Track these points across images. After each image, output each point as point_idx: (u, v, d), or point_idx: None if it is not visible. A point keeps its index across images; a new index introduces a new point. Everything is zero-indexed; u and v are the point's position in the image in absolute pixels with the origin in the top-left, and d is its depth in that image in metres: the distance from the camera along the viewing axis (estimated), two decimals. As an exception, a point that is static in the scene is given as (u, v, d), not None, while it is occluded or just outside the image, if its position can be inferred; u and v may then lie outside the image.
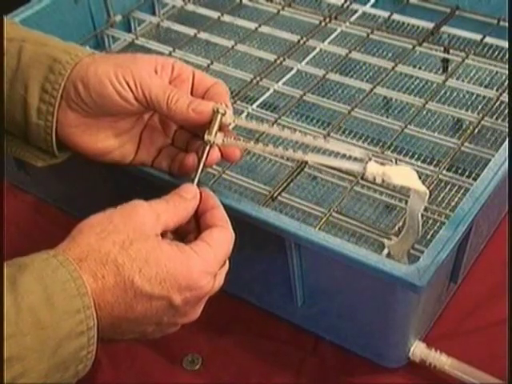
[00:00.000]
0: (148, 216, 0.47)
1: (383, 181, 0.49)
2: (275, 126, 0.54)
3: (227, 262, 0.50)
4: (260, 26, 0.85)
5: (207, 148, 0.52)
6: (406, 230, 0.54)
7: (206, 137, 0.52)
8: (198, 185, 0.52)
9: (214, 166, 0.67)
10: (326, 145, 0.52)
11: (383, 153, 0.67)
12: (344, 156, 0.51)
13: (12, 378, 0.40)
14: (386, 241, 0.58)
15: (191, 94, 0.54)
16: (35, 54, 0.53)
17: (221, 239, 0.49)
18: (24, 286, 0.42)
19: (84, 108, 0.52)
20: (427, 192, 0.50)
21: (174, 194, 0.49)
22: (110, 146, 0.55)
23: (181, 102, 0.51)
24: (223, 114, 0.52)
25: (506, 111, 0.70)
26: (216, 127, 0.52)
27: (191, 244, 0.47)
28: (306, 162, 0.66)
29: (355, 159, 0.50)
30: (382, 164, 0.49)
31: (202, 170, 0.53)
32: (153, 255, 0.45)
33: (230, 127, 0.54)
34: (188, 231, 0.50)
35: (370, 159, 0.49)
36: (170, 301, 0.46)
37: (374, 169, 0.49)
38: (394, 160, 0.50)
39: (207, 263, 0.47)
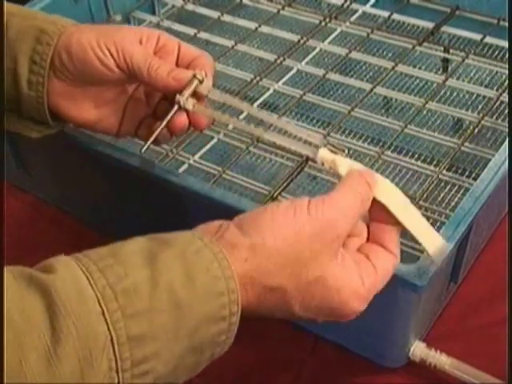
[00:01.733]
0: (342, 228, 0.43)
1: (330, 168, 0.48)
2: (245, 102, 0.55)
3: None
4: (260, 25, 0.85)
5: (175, 108, 0.53)
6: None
7: (176, 96, 0.52)
8: (153, 144, 0.54)
9: (214, 166, 0.67)
10: (288, 126, 0.52)
11: (383, 153, 0.67)
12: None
13: (144, 357, 0.37)
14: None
15: (176, 65, 0.54)
16: (22, 28, 0.53)
17: (389, 270, 0.46)
18: (163, 262, 0.39)
19: (68, 76, 0.53)
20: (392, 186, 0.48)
21: (366, 185, 0.45)
22: (94, 115, 0.55)
23: (161, 69, 0.52)
24: (200, 81, 0.53)
25: (506, 111, 0.70)
26: (189, 90, 0.52)
27: (363, 269, 0.44)
28: (307, 162, 0.66)
29: (311, 144, 0.50)
30: (335, 153, 0.48)
31: (170, 135, 0.55)
32: (323, 294, 0.43)
33: (205, 100, 0.54)
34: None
35: (324, 146, 0.48)
36: (313, 320, 0.44)
37: (325, 154, 0.48)
38: (346, 151, 0.48)
39: (366, 301, 0.44)
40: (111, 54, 0.52)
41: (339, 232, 0.43)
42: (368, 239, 0.47)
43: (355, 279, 0.43)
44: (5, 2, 0.55)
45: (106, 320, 0.37)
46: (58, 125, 0.57)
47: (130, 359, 0.37)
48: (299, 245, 0.42)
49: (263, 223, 0.42)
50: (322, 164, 0.48)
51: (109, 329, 0.36)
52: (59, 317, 0.36)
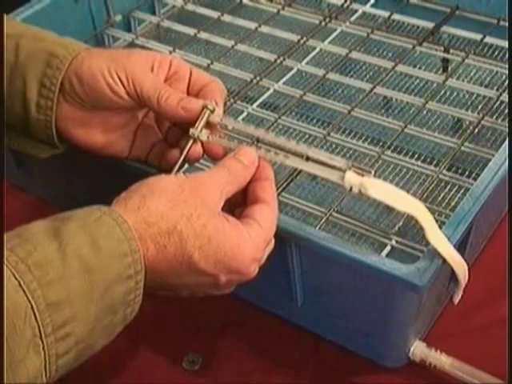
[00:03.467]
0: (214, 191, 0.48)
1: (360, 192, 0.49)
2: (261, 128, 0.54)
3: (272, 240, 0.51)
4: (260, 25, 0.85)
5: (190, 142, 0.53)
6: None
7: (190, 130, 0.52)
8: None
9: (214, 166, 0.67)
10: (308, 151, 0.51)
11: (383, 153, 0.67)
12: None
13: (64, 320, 0.41)
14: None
15: (187, 91, 0.55)
16: (33, 50, 0.53)
17: (270, 219, 0.50)
18: (68, 234, 0.43)
19: (78, 101, 0.53)
20: (416, 215, 0.50)
21: (234, 160, 0.50)
22: (103, 140, 0.55)
23: (171, 99, 0.52)
24: (211, 111, 0.52)
25: (506, 111, 0.70)
26: (202, 122, 0.52)
27: (247, 225, 0.48)
28: (307, 162, 0.66)
29: (334, 167, 0.50)
30: (361, 175, 0.49)
31: (183, 165, 0.54)
32: (215, 235, 0.46)
33: (218, 127, 0.54)
34: (236, 197, 0.51)
35: (349, 169, 0.49)
36: (217, 279, 0.47)
37: (351, 178, 0.49)
38: (373, 172, 0.49)
39: (259, 250, 0.48)
40: (122, 82, 0.52)
41: (216, 189, 0.48)
42: (251, 198, 0.51)
43: (240, 229, 0.47)
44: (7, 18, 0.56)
45: (24, 291, 0.39)
46: (66, 146, 0.57)
47: (51, 324, 0.40)
48: (184, 193, 0.47)
49: (150, 182, 0.48)
50: (350, 189, 0.49)
51: (28, 298, 0.39)
52: None
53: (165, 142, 0.58)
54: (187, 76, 0.55)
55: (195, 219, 0.46)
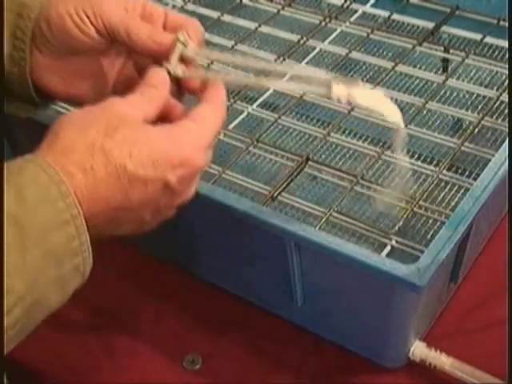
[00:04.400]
0: (127, 106, 0.46)
1: (349, 102, 0.47)
2: (239, 54, 0.52)
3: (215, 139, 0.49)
4: (260, 25, 0.85)
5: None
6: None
7: (164, 64, 0.50)
8: None
9: (214, 166, 0.67)
10: (291, 70, 0.50)
11: (383, 153, 0.67)
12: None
13: None
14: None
15: None
16: (7, 5, 0.52)
17: (208, 114, 0.48)
18: None
19: (50, 48, 0.52)
20: (401, 124, 0.48)
21: (144, 85, 0.48)
22: (82, 90, 0.54)
23: (141, 31, 0.50)
24: (184, 45, 0.50)
25: (506, 111, 0.70)
26: (175, 56, 0.50)
27: (176, 123, 0.46)
28: (307, 162, 0.66)
29: (321, 82, 0.48)
30: (350, 86, 0.47)
31: None
32: (140, 137, 0.44)
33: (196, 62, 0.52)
34: (178, 117, 0.49)
35: (336, 81, 0.47)
36: (165, 182, 0.45)
37: (338, 90, 0.47)
38: (362, 83, 0.48)
39: (196, 138, 0.46)
40: (90, 20, 0.50)
41: (131, 109, 0.46)
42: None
43: (171, 127, 0.46)
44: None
45: None
46: (46, 103, 0.55)
47: None
48: (95, 115, 0.44)
49: (59, 119, 0.45)
50: (339, 100, 0.47)
51: None
52: None
53: None
54: (162, 18, 0.53)
55: (112, 131, 0.43)
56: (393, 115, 0.48)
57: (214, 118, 0.48)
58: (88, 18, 0.50)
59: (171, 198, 0.46)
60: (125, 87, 0.54)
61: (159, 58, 0.51)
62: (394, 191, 0.53)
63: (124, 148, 0.43)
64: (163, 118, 0.48)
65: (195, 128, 0.47)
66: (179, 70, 0.50)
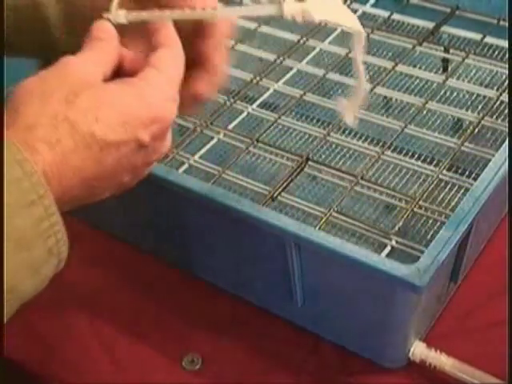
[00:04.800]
0: (83, 66, 0.43)
1: (304, 19, 0.44)
2: (167, 11, 0.47)
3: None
4: (260, 25, 0.85)
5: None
6: (355, 89, 0.49)
7: (103, 15, 0.46)
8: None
9: (214, 166, 0.67)
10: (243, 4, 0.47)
11: (383, 153, 0.67)
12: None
13: None
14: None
15: None
16: None
17: (169, 60, 0.45)
18: None
19: None
20: (361, 31, 0.45)
21: (93, 40, 0.45)
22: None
23: None
24: None
25: (506, 111, 0.70)
26: (114, 3, 0.46)
27: (138, 74, 0.43)
28: (307, 162, 0.66)
29: (271, 2, 0.44)
30: (302, 0, 0.44)
31: None
32: (104, 99, 0.41)
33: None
34: (136, 67, 0.45)
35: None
36: (138, 141, 0.42)
37: (291, 7, 0.43)
38: None
39: (163, 90, 0.43)
40: None
41: (84, 66, 0.43)
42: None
43: (133, 81, 0.43)
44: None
45: None
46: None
47: None
48: (50, 81, 0.42)
49: (13, 92, 0.42)
50: (293, 18, 0.44)
51: None
52: None
53: None
54: None
55: (73, 98, 0.40)
56: (351, 22, 0.45)
57: (176, 63, 0.45)
58: None
59: (146, 156, 0.44)
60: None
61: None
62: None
63: (89, 114, 0.40)
64: (120, 71, 0.45)
65: (159, 78, 0.44)
66: (121, 17, 0.46)
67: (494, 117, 0.70)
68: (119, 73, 0.45)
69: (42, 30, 0.51)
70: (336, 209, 0.62)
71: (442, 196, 0.63)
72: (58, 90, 0.41)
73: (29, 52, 0.53)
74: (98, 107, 0.41)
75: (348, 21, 0.45)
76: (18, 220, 0.38)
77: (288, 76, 0.78)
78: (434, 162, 0.67)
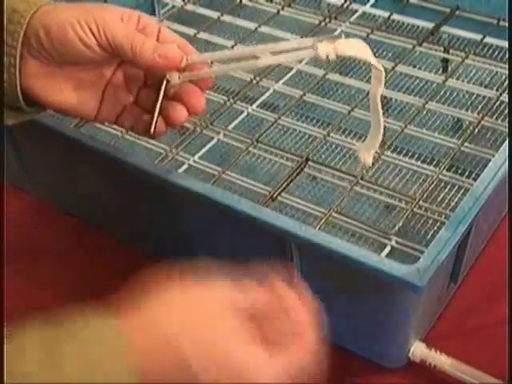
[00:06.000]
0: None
1: (338, 56, 0.49)
2: (226, 50, 0.53)
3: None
4: (260, 25, 0.85)
5: (160, 96, 0.52)
6: (372, 128, 0.54)
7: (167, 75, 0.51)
8: (154, 134, 0.52)
9: (214, 166, 0.67)
10: (278, 46, 0.51)
11: (383, 153, 0.67)
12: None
13: None
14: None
15: None
16: None
17: (304, 347, 0.47)
18: (65, 358, 0.39)
19: (46, 56, 0.51)
20: (381, 69, 0.51)
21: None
22: (71, 99, 0.53)
23: (146, 45, 0.50)
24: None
25: (506, 111, 0.70)
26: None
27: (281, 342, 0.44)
28: (307, 162, 0.66)
29: (306, 47, 0.49)
30: (333, 42, 0.49)
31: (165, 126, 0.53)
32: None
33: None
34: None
35: (320, 41, 0.49)
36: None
37: (324, 47, 0.49)
38: (343, 35, 0.50)
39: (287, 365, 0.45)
40: (93, 34, 0.49)
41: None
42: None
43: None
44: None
45: None
46: (34, 111, 0.54)
47: None
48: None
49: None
50: (327, 57, 0.49)
51: None
52: None
53: (136, 105, 0.55)
54: (155, 33, 0.52)
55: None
56: (374, 60, 0.51)
57: (306, 354, 0.47)
58: (91, 31, 0.50)
59: None
60: (113, 96, 0.54)
61: (160, 71, 0.51)
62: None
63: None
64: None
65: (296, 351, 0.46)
66: (175, 78, 0.51)
67: (494, 117, 0.70)
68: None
69: None
70: (336, 209, 0.62)
71: (441, 196, 0.63)
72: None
73: None
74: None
75: (371, 58, 0.50)
76: None
77: (288, 76, 0.78)
78: (434, 162, 0.67)
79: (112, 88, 0.55)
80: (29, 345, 0.39)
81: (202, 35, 0.84)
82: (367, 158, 0.54)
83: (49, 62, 0.51)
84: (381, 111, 0.51)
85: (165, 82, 0.52)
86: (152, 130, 0.52)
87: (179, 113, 0.53)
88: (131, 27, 0.51)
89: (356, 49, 0.50)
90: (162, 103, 0.52)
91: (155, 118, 0.52)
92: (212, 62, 0.56)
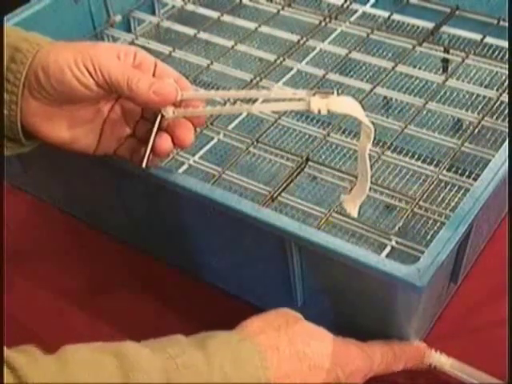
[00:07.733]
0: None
1: (329, 112, 0.50)
2: (220, 91, 0.56)
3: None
4: (260, 26, 0.85)
5: (153, 131, 0.54)
6: (358, 180, 0.55)
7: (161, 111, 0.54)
8: (147, 167, 0.55)
9: (214, 166, 0.67)
10: (271, 94, 0.53)
11: (383, 153, 0.67)
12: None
13: None
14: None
15: None
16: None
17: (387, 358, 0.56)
18: (213, 348, 0.47)
19: (45, 96, 0.52)
20: (371, 127, 0.51)
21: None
22: (70, 136, 0.55)
23: (142, 82, 0.51)
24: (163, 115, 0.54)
25: (506, 111, 0.70)
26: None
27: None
28: (307, 162, 0.66)
29: (300, 100, 0.51)
30: (326, 97, 0.50)
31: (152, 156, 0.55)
32: (317, 333, 0.53)
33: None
34: None
35: (313, 95, 0.50)
36: (337, 377, 0.51)
37: (317, 102, 0.50)
38: (336, 91, 0.51)
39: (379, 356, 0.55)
40: (89, 73, 0.51)
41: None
42: None
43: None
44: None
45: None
46: (33, 143, 0.56)
47: None
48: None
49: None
50: (319, 112, 0.50)
51: None
52: (131, 371, 0.43)
53: (133, 136, 0.57)
54: (151, 68, 0.54)
55: (293, 323, 0.52)
56: (364, 117, 0.52)
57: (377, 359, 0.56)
58: (88, 71, 0.51)
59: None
60: (111, 131, 0.56)
61: (156, 107, 0.53)
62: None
63: (304, 337, 0.51)
64: None
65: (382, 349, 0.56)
66: (169, 112, 0.54)
67: (494, 117, 0.70)
68: None
69: None
70: (336, 209, 0.62)
71: (442, 196, 0.63)
72: (278, 318, 0.53)
73: None
74: (311, 336, 0.52)
75: (362, 115, 0.51)
76: None
77: (288, 76, 0.78)
78: (434, 163, 0.67)
79: (110, 123, 0.56)
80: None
81: (202, 35, 0.84)
82: (352, 209, 0.56)
83: (49, 102, 0.53)
84: (369, 165, 0.53)
85: (159, 117, 0.54)
86: (144, 163, 0.55)
87: (164, 143, 0.55)
88: (127, 64, 0.53)
89: (348, 107, 0.51)
90: (155, 137, 0.54)
91: (148, 153, 0.54)
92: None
